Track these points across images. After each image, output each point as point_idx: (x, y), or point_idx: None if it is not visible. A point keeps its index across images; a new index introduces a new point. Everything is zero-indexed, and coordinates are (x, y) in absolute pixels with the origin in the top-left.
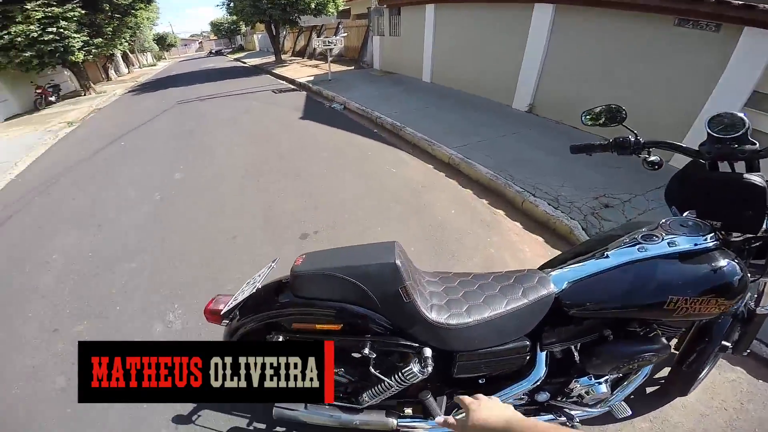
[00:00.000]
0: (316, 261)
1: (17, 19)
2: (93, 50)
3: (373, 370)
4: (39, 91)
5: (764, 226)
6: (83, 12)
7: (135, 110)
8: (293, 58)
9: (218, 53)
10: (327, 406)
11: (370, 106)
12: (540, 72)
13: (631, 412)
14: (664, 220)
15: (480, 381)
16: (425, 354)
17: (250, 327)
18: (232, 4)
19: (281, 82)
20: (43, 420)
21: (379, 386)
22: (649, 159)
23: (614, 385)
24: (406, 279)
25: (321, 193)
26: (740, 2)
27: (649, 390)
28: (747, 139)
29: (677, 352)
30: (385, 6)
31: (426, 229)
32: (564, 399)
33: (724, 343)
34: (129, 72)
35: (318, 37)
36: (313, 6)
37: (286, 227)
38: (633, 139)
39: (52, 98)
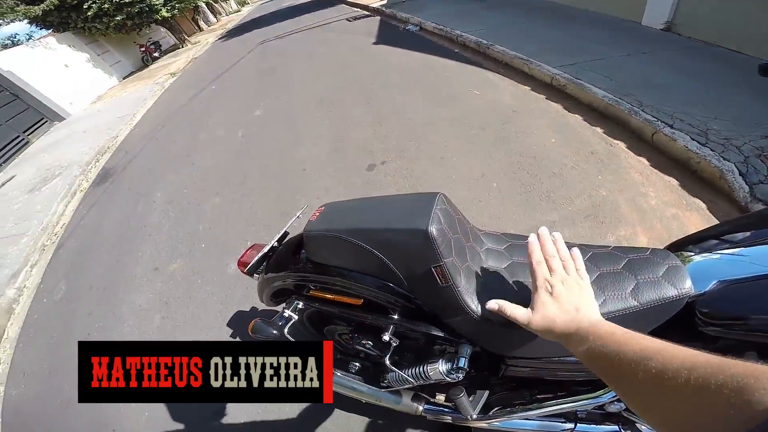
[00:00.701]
0: (333, 218)
1: None
2: (176, 5)
3: (388, 362)
4: (143, 49)
5: None
6: None
7: (224, 55)
8: None
9: None
10: (354, 377)
11: (450, 24)
12: None
13: None
14: None
15: (536, 392)
16: (462, 353)
17: (272, 288)
18: None
19: (355, 9)
20: None
21: (399, 373)
22: None
23: None
24: (443, 256)
25: (392, 120)
26: None
27: None
28: None
29: None
30: None
31: (515, 161)
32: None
33: None
34: (218, 21)
35: None
36: None
37: (355, 157)
38: None
39: (156, 54)
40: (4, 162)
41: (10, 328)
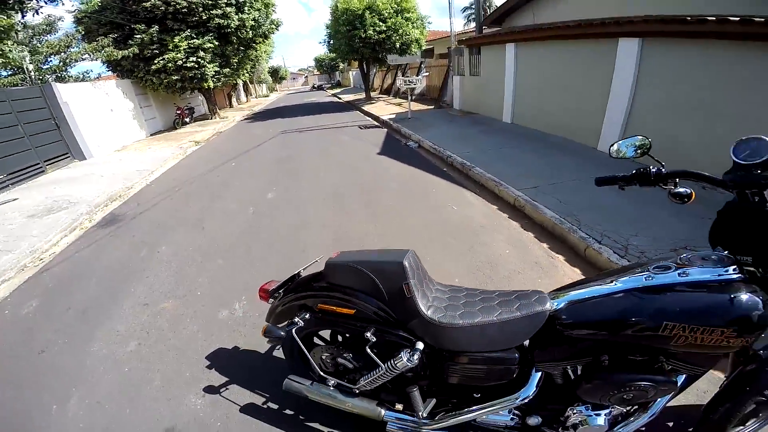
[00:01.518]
0: (347, 257)
1: (169, 47)
2: (222, 78)
3: (369, 350)
4: (179, 112)
5: None
6: (216, 44)
7: (247, 136)
8: (381, 95)
9: (319, 88)
10: (330, 386)
11: (444, 145)
12: (628, 110)
13: None
14: (686, 255)
15: (475, 395)
16: (417, 346)
17: (284, 307)
18: (332, 42)
19: (367, 118)
20: (105, 374)
21: (374, 371)
22: (675, 191)
23: (614, 423)
24: (409, 277)
25: (385, 221)
26: None
27: None
28: None
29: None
30: (464, 46)
31: (476, 265)
32: (558, 427)
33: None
34: (247, 101)
35: (402, 75)
36: (398, 46)
37: (359, 244)
38: (654, 170)
39: (187, 119)
40: (12, 184)
41: None
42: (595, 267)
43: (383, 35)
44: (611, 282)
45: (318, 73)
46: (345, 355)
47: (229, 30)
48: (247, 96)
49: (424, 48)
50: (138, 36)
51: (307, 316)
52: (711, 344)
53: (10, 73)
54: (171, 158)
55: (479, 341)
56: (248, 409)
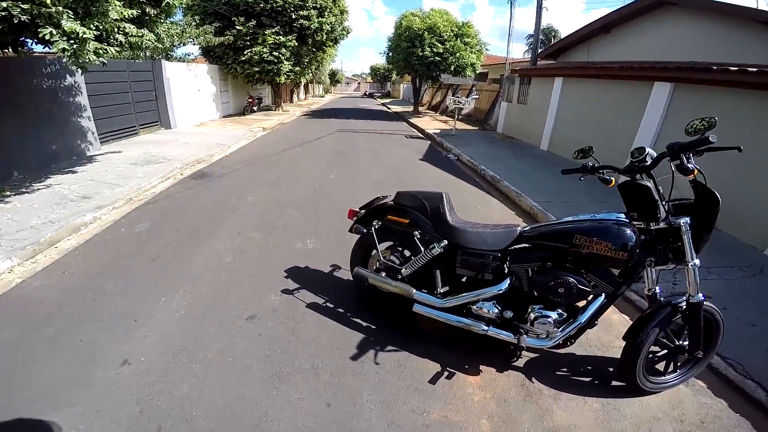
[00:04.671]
0: (408, 191)
1: (259, 41)
2: (291, 76)
3: (417, 241)
4: (249, 100)
5: (661, 215)
6: (296, 44)
7: (308, 130)
8: (428, 111)
9: (370, 96)
10: (382, 275)
11: (479, 160)
12: (652, 146)
13: (570, 346)
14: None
15: (467, 282)
16: (442, 242)
17: (365, 217)
18: (391, 54)
19: (413, 130)
20: (205, 277)
21: (415, 258)
22: (603, 177)
23: (559, 324)
24: (444, 201)
25: None
26: None
27: (617, 384)
28: (644, 160)
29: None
30: (517, 75)
31: None
32: (524, 321)
33: (679, 343)
34: (305, 98)
35: (453, 95)
36: (452, 68)
37: None
38: (592, 165)
39: (255, 108)
40: (114, 140)
41: (66, 242)
42: None
43: (439, 57)
44: (559, 221)
45: (371, 81)
46: (395, 254)
47: (308, 32)
48: (306, 94)
49: (478, 72)
50: (237, 27)
51: (380, 223)
52: (601, 251)
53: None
54: (243, 138)
55: (479, 241)
56: (312, 306)
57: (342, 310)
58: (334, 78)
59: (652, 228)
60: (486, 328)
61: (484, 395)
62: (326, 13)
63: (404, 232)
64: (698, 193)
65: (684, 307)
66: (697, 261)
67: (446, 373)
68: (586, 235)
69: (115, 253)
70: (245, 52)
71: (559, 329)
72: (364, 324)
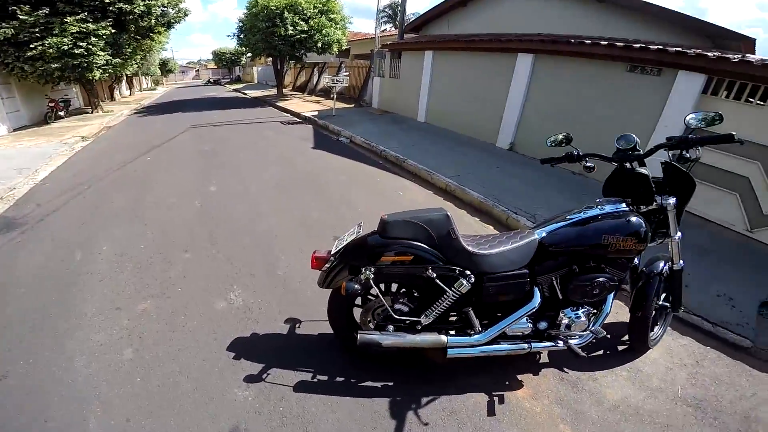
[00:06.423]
0: (396, 215)
1: (54, 31)
2: (110, 69)
3: (438, 281)
4: (51, 104)
5: (656, 199)
6: (113, 31)
7: (149, 131)
8: (293, 92)
9: (216, 82)
10: (397, 332)
11: (374, 141)
12: (520, 113)
13: (607, 334)
14: (598, 200)
15: (498, 314)
16: (467, 273)
17: (342, 267)
18: (243, 36)
19: (286, 114)
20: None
21: (437, 301)
22: (586, 165)
23: (590, 318)
24: (454, 224)
25: (344, 206)
26: (676, 50)
27: (621, 349)
28: (636, 148)
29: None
30: (387, 50)
31: None
32: (557, 328)
33: (662, 303)
34: (131, 94)
35: (320, 74)
36: (319, 45)
37: (319, 231)
38: (576, 153)
39: (62, 113)
40: None
41: None
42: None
43: (305, 34)
44: (564, 219)
45: (214, 67)
46: (401, 300)
47: (130, 17)
48: (131, 89)
49: (344, 48)
50: (19, 17)
51: (372, 268)
52: (628, 248)
53: None
54: (56, 155)
55: (504, 263)
56: (301, 387)
57: (343, 379)
58: (165, 68)
59: (643, 210)
60: (526, 346)
61: (543, 403)
62: None
63: (408, 274)
64: (669, 175)
65: (667, 273)
66: (679, 234)
67: (497, 399)
68: (613, 234)
69: None
70: (33, 46)
71: (591, 323)
72: (380, 386)
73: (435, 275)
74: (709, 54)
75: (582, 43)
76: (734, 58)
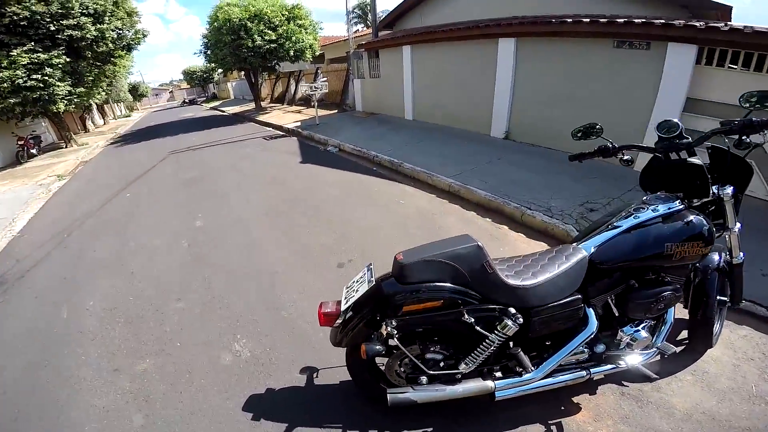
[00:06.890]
0: (414, 254)
1: (2, 64)
2: (74, 99)
3: (478, 328)
4: (21, 142)
5: (711, 190)
6: (67, 59)
7: (126, 163)
8: (272, 104)
9: (192, 102)
10: (432, 384)
11: (364, 146)
12: (511, 100)
13: (676, 349)
14: (645, 198)
15: (546, 342)
16: (511, 311)
17: (361, 323)
18: (210, 52)
19: (268, 129)
20: None
21: (479, 348)
22: (624, 158)
23: (652, 332)
24: (488, 256)
25: (344, 226)
26: (661, 22)
27: (679, 349)
28: (682, 135)
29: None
30: (363, 50)
31: None
32: (617, 348)
33: (721, 298)
34: (105, 123)
35: (297, 83)
36: (291, 53)
37: (322, 259)
38: (611, 146)
39: (34, 150)
40: None
41: None
42: (533, 229)
43: (274, 44)
44: (611, 227)
45: (188, 87)
46: (433, 349)
47: (82, 43)
48: (103, 118)
49: (317, 53)
50: None
51: (394, 322)
52: (692, 254)
53: None
54: (33, 199)
55: (554, 291)
56: None
57: (376, 431)
58: (137, 92)
59: (696, 203)
60: (585, 374)
61: (607, 425)
62: (106, 18)
63: (437, 321)
64: (715, 160)
65: (724, 267)
66: (738, 225)
67: (554, 428)
68: (677, 240)
69: None
70: None
71: (654, 337)
72: None
73: (473, 320)
74: (697, 24)
75: (563, 22)
76: (723, 26)
